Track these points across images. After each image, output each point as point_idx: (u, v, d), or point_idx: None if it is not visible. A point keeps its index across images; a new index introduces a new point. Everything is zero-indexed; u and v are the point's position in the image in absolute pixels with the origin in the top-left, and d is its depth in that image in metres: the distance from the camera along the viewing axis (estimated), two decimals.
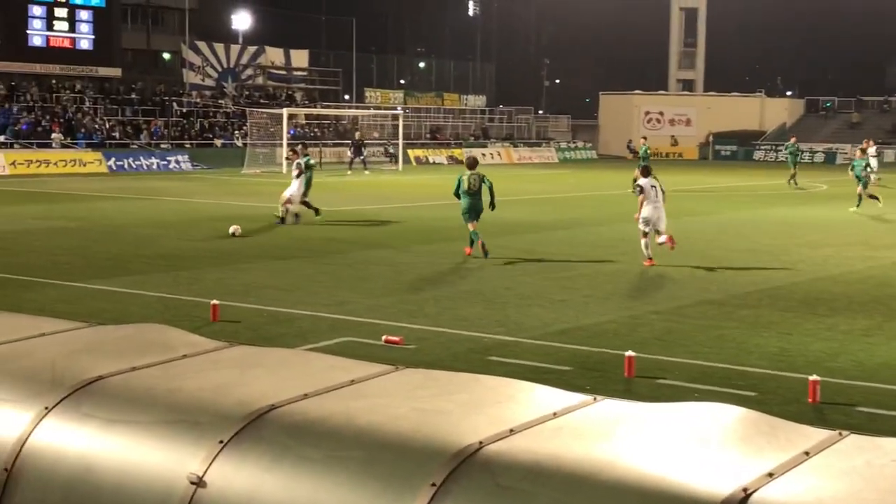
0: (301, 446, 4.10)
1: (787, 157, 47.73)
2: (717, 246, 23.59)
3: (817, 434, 4.13)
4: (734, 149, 79.51)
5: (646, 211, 19.81)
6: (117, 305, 15.46)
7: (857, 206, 32.23)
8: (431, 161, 66.90)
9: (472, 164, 21.37)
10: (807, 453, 3.90)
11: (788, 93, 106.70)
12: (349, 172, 51.89)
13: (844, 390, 11.10)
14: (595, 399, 4.63)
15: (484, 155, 70.44)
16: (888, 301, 16.61)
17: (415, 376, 4.99)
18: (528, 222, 27.79)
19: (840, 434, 4.13)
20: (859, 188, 32.45)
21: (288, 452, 4.08)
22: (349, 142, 58.62)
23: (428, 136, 75.17)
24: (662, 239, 19.87)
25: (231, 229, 24.03)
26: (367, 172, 52.92)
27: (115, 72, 63.94)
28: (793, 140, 47.89)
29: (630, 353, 11.70)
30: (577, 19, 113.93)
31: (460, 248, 22.37)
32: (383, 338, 13.18)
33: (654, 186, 19.95)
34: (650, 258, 19.79)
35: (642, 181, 20.22)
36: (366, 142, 58.84)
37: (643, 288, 17.58)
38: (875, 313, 15.53)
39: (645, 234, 19.95)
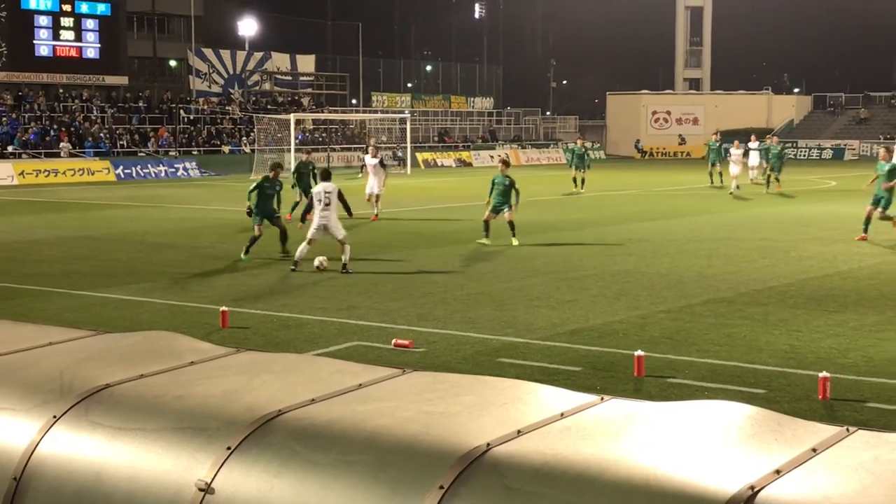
0: (309, 451, 4.10)
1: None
2: (725, 243, 23.55)
3: (825, 430, 4.12)
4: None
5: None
6: (126, 313, 15.49)
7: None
8: (440, 164, 66.93)
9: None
10: (814, 450, 3.89)
11: (796, 90, 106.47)
12: (359, 176, 52.00)
13: (855, 386, 11.08)
14: (602, 399, 4.63)
15: (492, 157, 70.49)
16: None
17: (422, 379, 4.99)
18: (537, 223, 27.77)
19: (848, 430, 4.12)
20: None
21: (296, 457, 4.09)
22: (363, 145, 58.73)
23: (436, 139, 75.21)
24: None
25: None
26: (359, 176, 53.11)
27: (122, 80, 64.06)
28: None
29: (639, 352, 11.69)
30: (583, 20, 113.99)
31: (469, 251, 22.41)
32: (393, 341, 13.19)
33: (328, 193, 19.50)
34: None
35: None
36: (379, 146, 58.88)
37: (652, 287, 17.56)
38: (885, 309, 15.50)
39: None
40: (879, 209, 23.86)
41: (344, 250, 19.27)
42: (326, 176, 20.20)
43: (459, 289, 17.62)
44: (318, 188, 19.66)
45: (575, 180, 41.28)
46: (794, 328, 14.11)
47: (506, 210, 23.15)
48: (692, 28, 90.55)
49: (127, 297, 16.92)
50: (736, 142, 42.38)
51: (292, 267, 19.41)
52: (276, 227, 21.31)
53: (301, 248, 19.42)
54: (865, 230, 23.91)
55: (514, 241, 22.88)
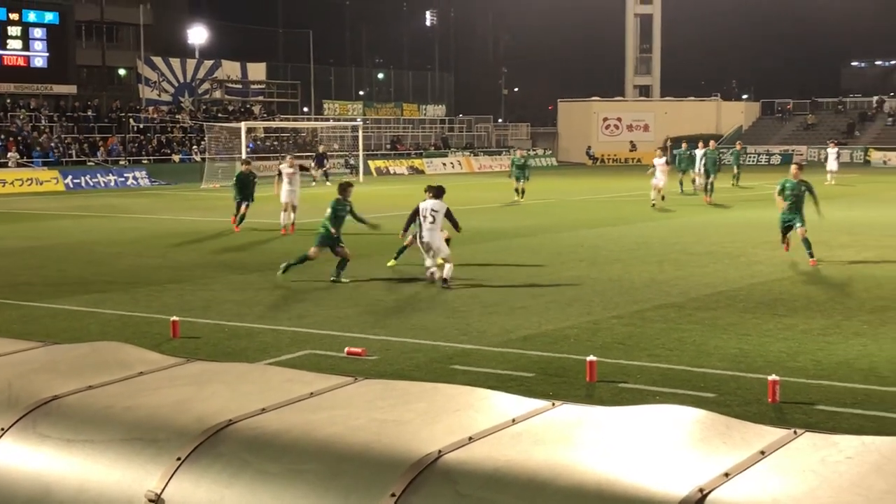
0: (260, 461, 4.08)
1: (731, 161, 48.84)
2: (675, 249, 23.72)
3: (773, 433, 4.16)
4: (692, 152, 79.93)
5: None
6: (76, 324, 15.33)
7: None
8: (392, 171, 66.90)
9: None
10: (762, 452, 3.93)
11: (744, 96, 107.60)
12: (314, 184, 51.83)
13: (804, 389, 11.19)
14: (554, 404, 4.64)
15: (445, 164, 70.57)
16: (846, 300, 16.78)
17: (374, 387, 4.98)
18: (490, 230, 27.84)
19: (795, 433, 4.16)
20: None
21: (247, 467, 4.06)
22: (312, 154, 58.54)
23: (388, 146, 75.19)
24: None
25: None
26: (328, 184, 52.96)
27: (71, 89, 63.50)
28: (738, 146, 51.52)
29: (592, 357, 11.74)
30: (534, 28, 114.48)
31: (421, 257, 22.37)
32: (345, 349, 13.16)
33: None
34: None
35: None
36: (328, 154, 58.80)
37: (604, 293, 17.65)
38: (833, 312, 15.67)
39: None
40: (800, 227, 20.93)
41: (444, 266, 18.79)
42: (439, 194, 19.32)
43: (412, 296, 17.61)
44: (425, 204, 19.12)
45: (517, 190, 40.21)
46: (743, 332, 14.24)
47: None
48: (642, 35, 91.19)
49: (76, 307, 16.76)
50: (658, 150, 40.42)
51: (434, 279, 18.70)
52: (337, 255, 19.30)
53: (431, 262, 18.85)
54: (811, 253, 20.87)
55: (392, 262, 21.08)
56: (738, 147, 51.37)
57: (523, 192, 40.15)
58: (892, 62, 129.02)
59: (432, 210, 18.99)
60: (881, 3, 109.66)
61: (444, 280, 18.58)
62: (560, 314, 15.78)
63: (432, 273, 18.88)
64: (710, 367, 12.23)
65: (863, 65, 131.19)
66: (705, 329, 14.49)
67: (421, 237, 19.07)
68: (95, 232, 29.37)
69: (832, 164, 50.03)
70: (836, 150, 51.75)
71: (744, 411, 10.08)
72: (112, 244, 25.94)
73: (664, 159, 38.08)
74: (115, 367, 5.26)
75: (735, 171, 47.88)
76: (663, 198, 37.30)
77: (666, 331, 14.40)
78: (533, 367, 12.35)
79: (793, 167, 21.96)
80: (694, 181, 42.87)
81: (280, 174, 29.19)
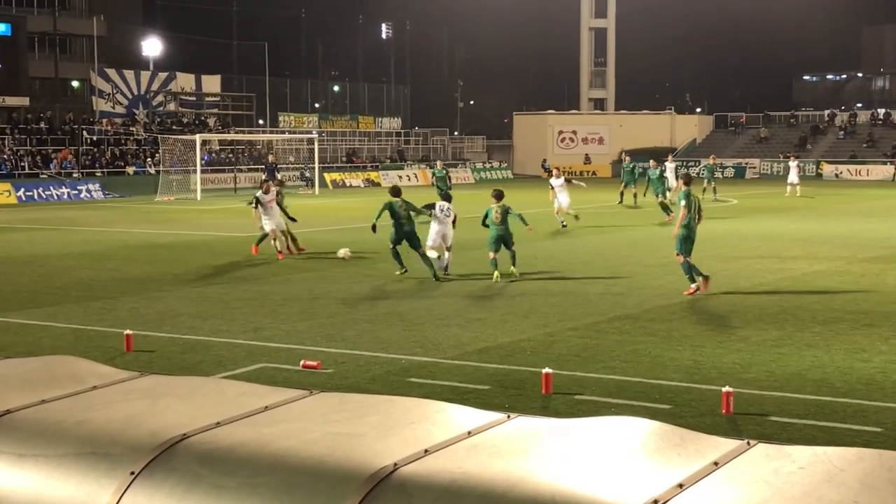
0: (214, 475, 4.06)
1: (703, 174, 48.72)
2: (630, 261, 23.84)
3: (726, 444, 4.19)
4: (646, 165, 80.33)
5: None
6: (28, 338, 15.17)
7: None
8: (348, 184, 66.76)
9: (500, 195, 22.63)
10: (716, 463, 3.96)
11: (698, 109, 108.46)
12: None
13: (757, 400, 11.29)
14: (509, 417, 4.66)
15: (401, 177, 70.54)
16: (798, 312, 16.93)
17: (329, 400, 4.97)
18: None
19: (748, 443, 4.20)
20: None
21: (201, 481, 4.04)
22: (263, 166, 58.24)
23: (344, 159, 75.04)
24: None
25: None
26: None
27: (23, 101, 62.85)
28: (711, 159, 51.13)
29: (547, 370, 11.78)
30: (490, 41, 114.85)
31: (378, 270, 22.37)
32: (301, 363, 13.12)
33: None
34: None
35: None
36: (279, 165, 58.54)
37: (559, 305, 17.71)
38: (785, 324, 15.82)
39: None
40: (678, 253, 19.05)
41: (446, 255, 21.95)
42: (447, 198, 23.38)
43: (368, 309, 17.59)
44: (439, 205, 22.61)
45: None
46: (697, 344, 14.34)
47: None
48: (596, 49, 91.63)
49: (29, 321, 16.58)
50: (555, 170, 36.52)
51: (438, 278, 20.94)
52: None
53: (439, 261, 21.61)
54: (702, 276, 18.95)
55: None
56: (711, 161, 51.04)
57: None
58: (843, 76, 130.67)
59: (448, 208, 22.40)
60: (832, 18, 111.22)
61: (446, 268, 21.70)
62: (516, 326, 15.81)
63: (445, 266, 21.77)
64: (665, 379, 12.31)
65: (814, 79, 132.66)
66: (660, 341, 14.57)
67: (438, 230, 21.90)
68: (48, 245, 29.08)
69: (793, 177, 50.57)
70: (796, 162, 52.35)
71: (698, 422, 10.14)
72: (65, 257, 25.69)
73: (561, 179, 34.16)
74: (68, 381, 5.22)
75: (704, 184, 46.88)
76: (576, 217, 33.01)
77: (621, 343, 14.47)
78: (489, 380, 12.37)
79: (679, 180, 20.67)
80: (644, 195, 42.78)
81: (257, 202, 25.85)
